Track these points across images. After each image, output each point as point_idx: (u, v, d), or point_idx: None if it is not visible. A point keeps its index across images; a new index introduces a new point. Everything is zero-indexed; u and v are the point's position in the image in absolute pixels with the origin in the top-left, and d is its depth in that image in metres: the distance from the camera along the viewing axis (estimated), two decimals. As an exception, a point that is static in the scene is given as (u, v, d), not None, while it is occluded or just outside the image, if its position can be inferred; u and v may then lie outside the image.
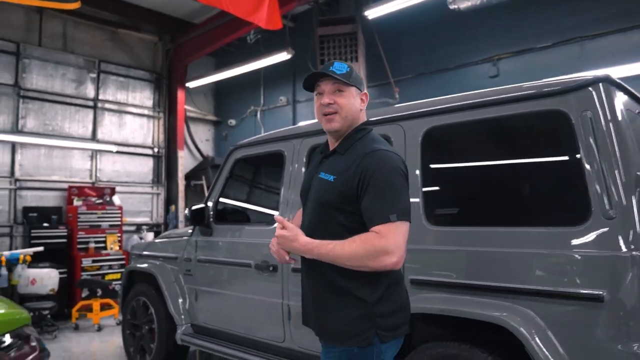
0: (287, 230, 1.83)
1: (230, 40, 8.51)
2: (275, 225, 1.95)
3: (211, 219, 3.96)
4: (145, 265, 4.57)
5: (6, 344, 0.90)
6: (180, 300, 4.19)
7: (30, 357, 0.97)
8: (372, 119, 2.69)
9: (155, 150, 9.41)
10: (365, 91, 2.00)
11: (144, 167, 9.27)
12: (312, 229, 1.89)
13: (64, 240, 7.48)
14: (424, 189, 2.67)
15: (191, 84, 9.50)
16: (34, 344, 1.01)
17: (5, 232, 7.48)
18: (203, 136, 10.41)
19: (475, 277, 2.39)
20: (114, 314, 6.88)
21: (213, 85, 10.42)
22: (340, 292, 1.79)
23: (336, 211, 1.82)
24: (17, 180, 7.64)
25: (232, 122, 10.19)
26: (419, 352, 2.48)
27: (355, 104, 1.91)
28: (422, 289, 2.54)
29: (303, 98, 8.73)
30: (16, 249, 7.27)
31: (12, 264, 6.57)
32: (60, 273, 6.91)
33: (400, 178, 1.77)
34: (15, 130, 7.65)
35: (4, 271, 6.34)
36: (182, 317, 4.14)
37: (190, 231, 4.25)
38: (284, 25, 7.68)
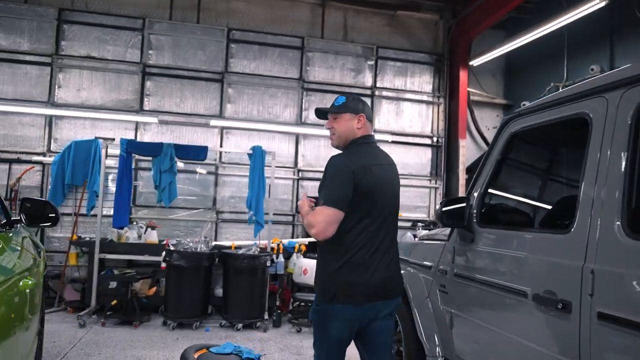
0: (302, 201, 2.51)
1: (521, 1, 6.96)
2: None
3: (473, 219, 2.80)
4: (395, 270, 3.71)
5: None
6: (434, 323, 3.17)
7: None
8: None
9: (435, 139, 8.56)
10: (362, 113, 2.55)
11: (422, 158, 8.53)
12: None
13: (338, 231, 7.33)
14: None
15: (476, 62, 8.31)
16: None
17: (289, 220, 7.81)
18: (490, 123, 9.02)
19: None
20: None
21: (503, 63, 8.98)
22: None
23: None
24: (299, 170, 7.91)
25: (526, 104, 8.51)
26: None
27: (348, 125, 2.56)
28: None
29: (625, 63, 6.50)
30: (297, 237, 7.48)
31: (289, 252, 6.71)
32: (330, 266, 6.73)
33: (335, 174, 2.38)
34: (299, 122, 7.93)
35: (281, 258, 6.48)
36: (435, 345, 3.13)
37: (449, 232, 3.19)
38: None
